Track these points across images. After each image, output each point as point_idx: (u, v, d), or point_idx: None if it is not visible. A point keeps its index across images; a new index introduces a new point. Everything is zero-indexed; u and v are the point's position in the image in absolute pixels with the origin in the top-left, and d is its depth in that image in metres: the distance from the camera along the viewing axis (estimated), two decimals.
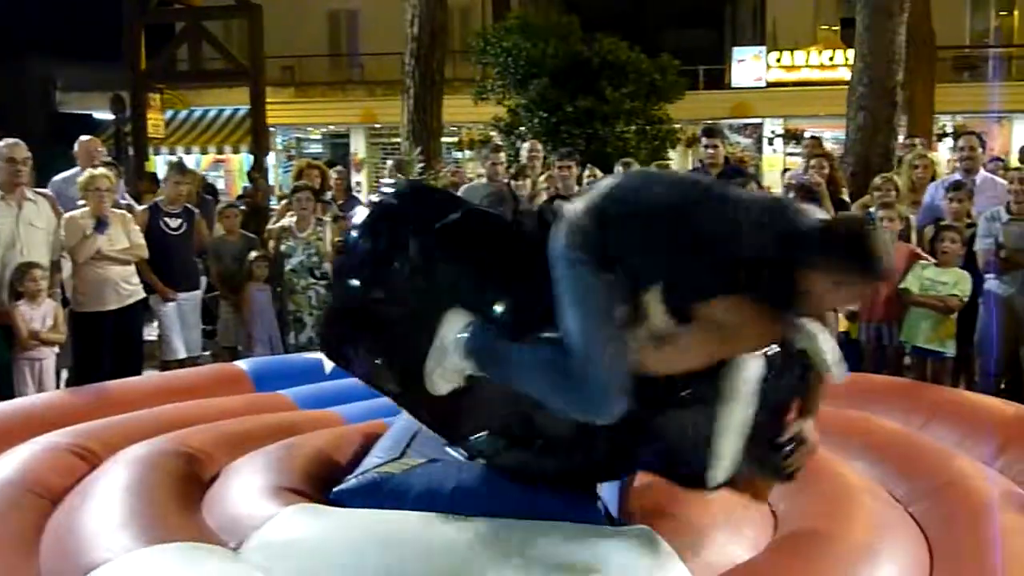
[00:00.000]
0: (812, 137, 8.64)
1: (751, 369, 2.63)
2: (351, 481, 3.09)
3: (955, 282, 5.76)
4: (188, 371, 5.70)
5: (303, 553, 2.70)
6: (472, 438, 3.01)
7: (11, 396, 5.18)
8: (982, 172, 6.93)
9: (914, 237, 6.41)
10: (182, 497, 3.11)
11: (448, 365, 2.78)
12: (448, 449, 3.24)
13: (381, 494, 2.99)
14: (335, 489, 3.06)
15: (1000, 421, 3.85)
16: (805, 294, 2.38)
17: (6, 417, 3.90)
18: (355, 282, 2.99)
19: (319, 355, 5.18)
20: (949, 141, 16.64)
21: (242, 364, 5.08)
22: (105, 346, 6.22)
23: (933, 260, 5.88)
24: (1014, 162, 10.95)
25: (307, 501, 3.01)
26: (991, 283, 5.95)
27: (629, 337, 2.47)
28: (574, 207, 2.60)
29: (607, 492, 3.12)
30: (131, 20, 14.46)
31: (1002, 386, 5.83)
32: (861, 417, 3.96)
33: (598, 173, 7.64)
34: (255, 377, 4.74)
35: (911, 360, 5.96)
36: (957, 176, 6.78)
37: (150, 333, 7.22)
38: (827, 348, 2.66)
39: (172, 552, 2.65)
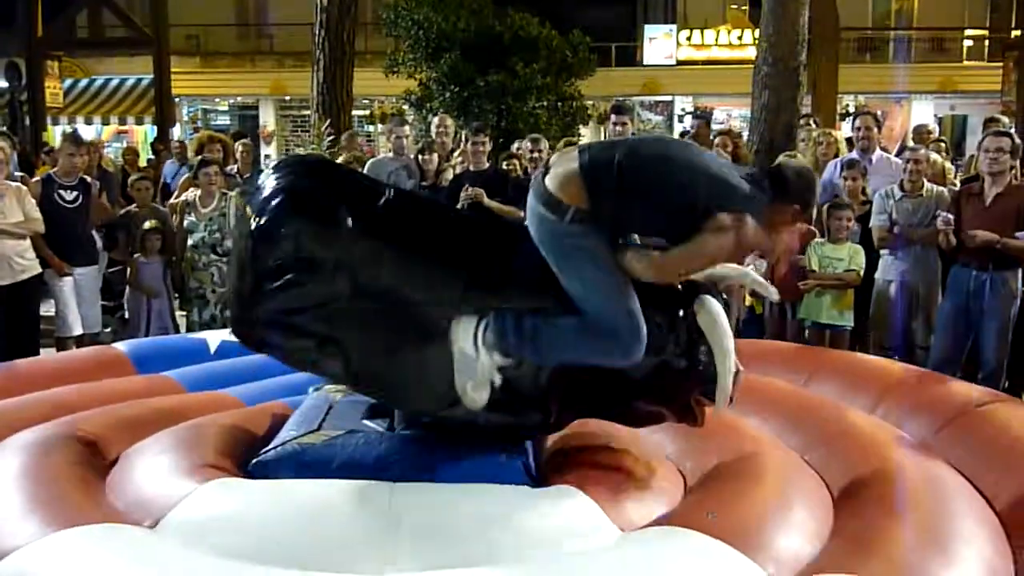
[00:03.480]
0: (699, 116, 8.72)
1: (716, 304, 2.94)
2: (270, 452, 3.02)
3: (850, 257, 5.96)
4: (64, 355, 5.45)
5: (225, 528, 2.64)
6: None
7: None
8: (878, 151, 7.13)
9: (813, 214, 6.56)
10: (84, 481, 2.98)
11: (480, 371, 2.83)
12: (366, 422, 3.23)
13: (302, 464, 2.93)
14: (254, 460, 2.99)
15: (880, 376, 4.04)
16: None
17: None
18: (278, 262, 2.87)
19: (203, 335, 5.05)
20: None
21: (120, 346, 4.83)
22: None
23: (824, 238, 6.06)
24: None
25: (224, 476, 2.93)
26: (887, 259, 6.15)
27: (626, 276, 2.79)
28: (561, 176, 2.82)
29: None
30: None
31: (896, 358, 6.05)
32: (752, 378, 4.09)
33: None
34: (135, 359, 4.51)
35: (810, 333, 6.12)
36: (853, 155, 6.96)
37: (48, 309, 6.99)
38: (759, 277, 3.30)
39: (86, 534, 2.56)
